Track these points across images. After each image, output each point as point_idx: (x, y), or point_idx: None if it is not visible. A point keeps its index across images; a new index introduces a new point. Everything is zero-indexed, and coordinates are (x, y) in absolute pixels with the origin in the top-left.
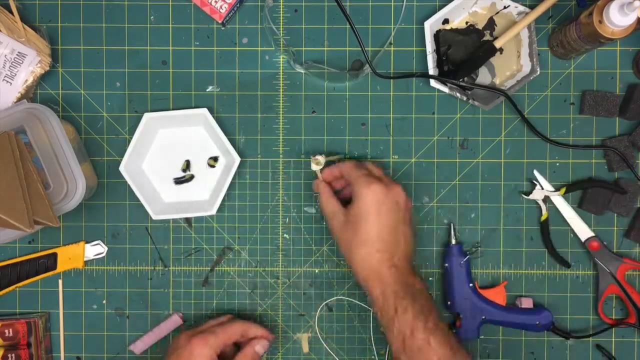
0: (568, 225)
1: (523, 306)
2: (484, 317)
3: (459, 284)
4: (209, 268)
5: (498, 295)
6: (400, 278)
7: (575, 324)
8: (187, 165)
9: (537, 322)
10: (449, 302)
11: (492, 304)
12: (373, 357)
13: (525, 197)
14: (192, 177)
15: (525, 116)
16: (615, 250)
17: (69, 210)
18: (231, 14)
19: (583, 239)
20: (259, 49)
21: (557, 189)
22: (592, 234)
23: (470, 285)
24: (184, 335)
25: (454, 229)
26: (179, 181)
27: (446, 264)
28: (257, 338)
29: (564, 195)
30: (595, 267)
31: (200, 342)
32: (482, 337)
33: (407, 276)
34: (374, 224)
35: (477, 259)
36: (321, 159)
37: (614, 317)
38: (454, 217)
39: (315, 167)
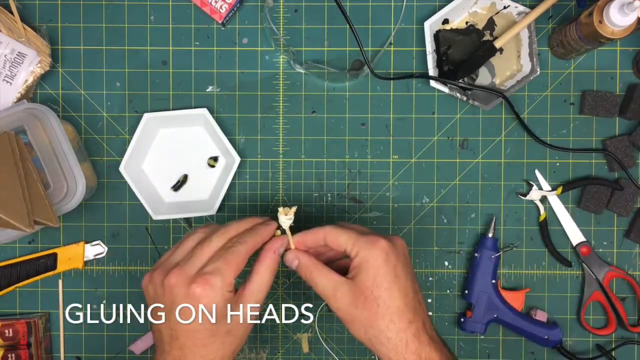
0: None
1: (537, 317)
2: (496, 315)
3: (482, 277)
4: None
5: (516, 300)
6: (438, 348)
7: (574, 324)
8: (185, 178)
9: (547, 337)
10: (466, 291)
11: (508, 305)
12: (373, 357)
13: (523, 197)
14: (185, 177)
15: (525, 116)
16: (614, 250)
17: (69, 210)
18: (231, 14)
19: (574, 243)
20: (259, 49)
21: (554, 189)
22: (583, 238)
23: (493, 281)
24: (175, 283)
25: (494, 223)
26: (176, 187)
27: (476, 254)
28: (270, 242)
29: (564, 195)
30: (583, 273)
31: (205, 290)
32: (483, 337)
33: (442, 345)
34: (395, 291)
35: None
36: (292, 210)
37: (591, 324)
38: (453, 218)
39: (285, 222)
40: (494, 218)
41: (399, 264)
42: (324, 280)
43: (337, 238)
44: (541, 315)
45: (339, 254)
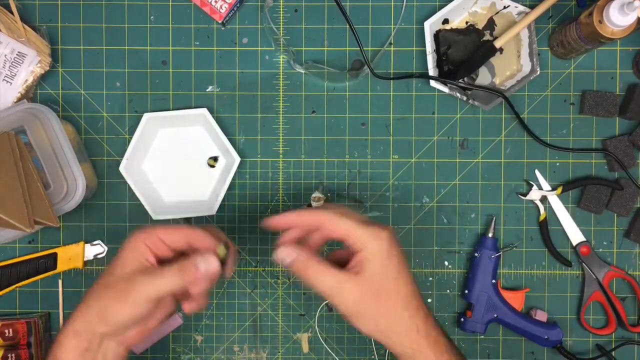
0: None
1: (537, 317)
2: (496, 315)
3: (482, 277)
4: None
5: (516, 299)
6: (442, 330)
7: (574, 324)
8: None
9: (547, 337)
10: (466, 291)
11: (508, 305)
12: (373, 357)
13: (523, 197)
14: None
15: (525, 116)
16: (614, 250)
17: (69, 210)
18: (231, 13)
19: (574, 243)
20: (259, 49)
21: (554, 189)
22: (583, 238)
23: (493, 281)
24: None
25: (494, 222)
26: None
27: (476, 254)
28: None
29: (564, 195)
30: (583, 273)
31: (134, 236)
32: (482, 337)
33: (441, 327)
34: (402, 280)
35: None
36: (321, 195)
37: (591, 324)
38: (453, 218)
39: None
40: (494, 218)
41: (400, 253)
42: (325, 278)
43: (339, 227)
44: (541, 315)
45: (325, 240)
